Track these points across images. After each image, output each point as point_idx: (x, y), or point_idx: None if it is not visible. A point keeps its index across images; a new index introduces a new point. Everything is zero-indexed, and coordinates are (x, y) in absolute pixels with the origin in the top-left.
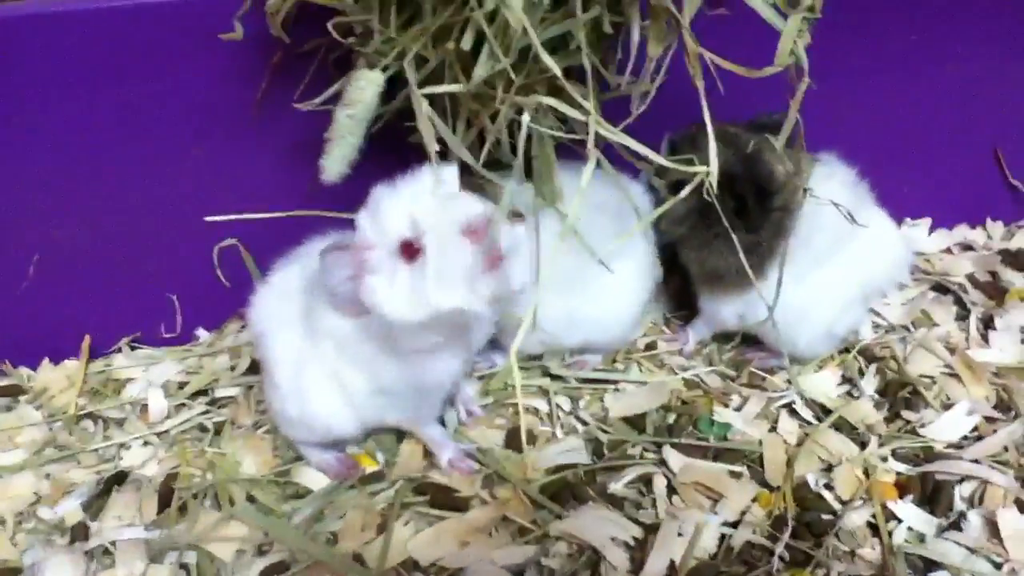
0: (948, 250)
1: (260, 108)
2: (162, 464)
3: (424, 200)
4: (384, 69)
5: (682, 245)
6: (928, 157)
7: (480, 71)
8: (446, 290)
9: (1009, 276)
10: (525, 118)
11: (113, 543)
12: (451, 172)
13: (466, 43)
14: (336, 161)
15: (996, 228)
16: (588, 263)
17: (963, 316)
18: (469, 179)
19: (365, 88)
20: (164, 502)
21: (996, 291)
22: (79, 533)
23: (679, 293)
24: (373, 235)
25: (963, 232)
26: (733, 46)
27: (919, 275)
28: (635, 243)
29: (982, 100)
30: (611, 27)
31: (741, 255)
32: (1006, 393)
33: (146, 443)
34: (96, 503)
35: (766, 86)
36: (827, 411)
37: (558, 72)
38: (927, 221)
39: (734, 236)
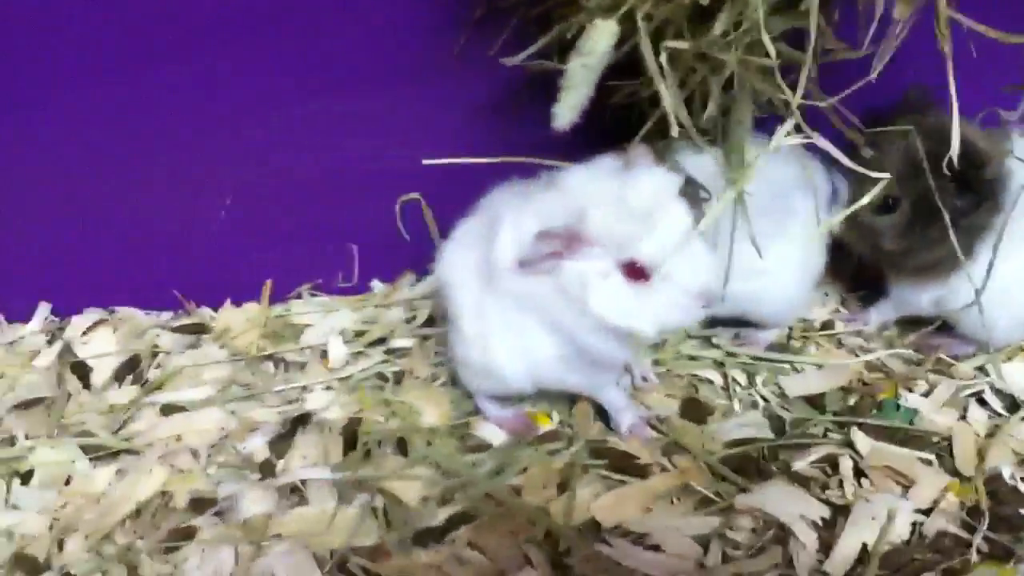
0: None
1: (458, 60)
2: (344, 408)
3: (664, 228)
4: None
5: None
6: None
7: (719, 27)
8: (667, 314)
9: None
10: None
11: (303, 482)
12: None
13: None
14: (568, 109)
15: None
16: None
17: None
18: None
19: (599, 38)
20: (349, 445)
21: None
22: (268, 470)
23: (857, 272)
24: (598, 235)
25: None
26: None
27: None
28: (806, 220)
29: None
30: None
31: (953, 237)
32: None
33: (328, 387)
34: (282, 442)
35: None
36: (1018, 403)
37: (771, 50)
38: None
39: (946, 217)
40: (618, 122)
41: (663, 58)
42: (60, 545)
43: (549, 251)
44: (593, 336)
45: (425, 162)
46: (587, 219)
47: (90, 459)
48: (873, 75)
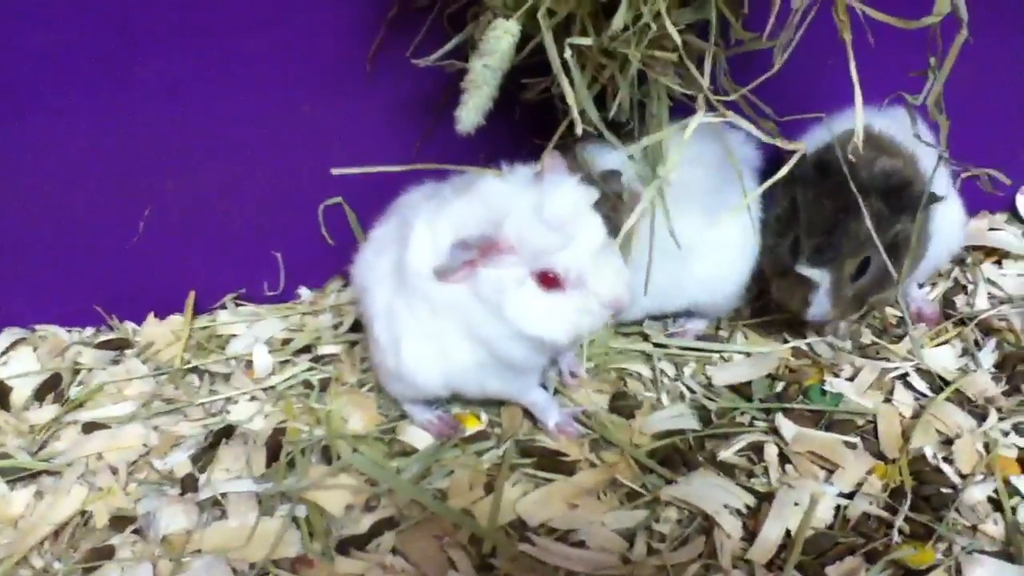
0: None
1: (373, 63)
2: (268, 419)
3: (580, 240)
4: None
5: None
6: None
7: (618, 22)
8: (579, 321)
9: None
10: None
11: (224, 495)
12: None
13: None
14: (472, 111)
15: None
16: (692, 223)
17: None
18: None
19: (501, 38)
20: (272, 456)
21: None
22: (189, 484)
23: None
24: (515, 244)
25: None
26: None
27: None
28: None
29: None
30: None
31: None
32: None
33: (252, 398)
34: (205, 456)
35: (909, 41)
36: (943, 384)
37: (678, 40)
38: None
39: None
40: (534, 120)
41: (568, 55)
42: None
43: (466, 259)
44: (510, 343)
45: (334, 171)
46: (504, 228)
47: (7, 481)
48: (777, 66)
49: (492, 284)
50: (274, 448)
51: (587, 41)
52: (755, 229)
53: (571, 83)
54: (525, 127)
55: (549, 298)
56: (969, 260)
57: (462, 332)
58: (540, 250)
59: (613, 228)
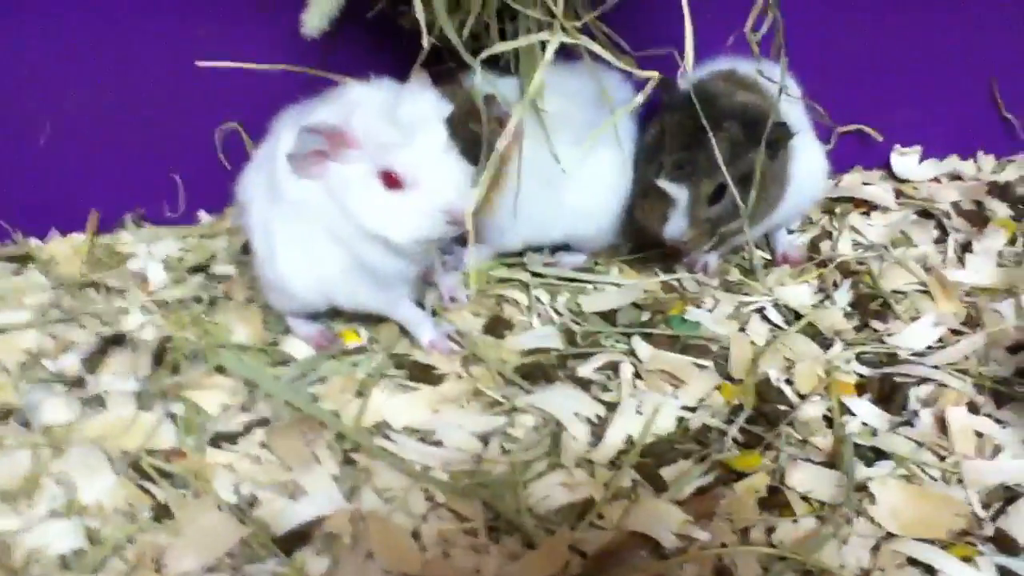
0: (936, 179)
1: None
2: (158, 330)
3: (422, 142)
4: None
5: None
6: (922, 87)
7: None
8: (417, 224)
9: (994, 206)
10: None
11: (106, 392)
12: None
13: None
14: (316, 16)
15: (987, 161)
16: (566, 153)
17: (943, 240)
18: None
19: None
20: (157, 362)
21: (979, 219)
22: (77, 384)
23: None
24: (361, 138)
25: (953, 163)
26: None
27: (904, 200)
28: (612, 140)
29: (977, 32)
30: None
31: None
32: (975, 311)
33: (145, 311)
34: (94, 359)
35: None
36: (799, 318)
37: None
38: (918, 150)
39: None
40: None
41: None
42: None
43: (314, 147)
44: (363, 243)
45: (199, 63)
46: (352, 120)
47: None
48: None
49: (340, 180)
50: (160, 355)
51: None
52: (627, 164)
53: (429, 11)
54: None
55: (389, 196)
56: (838, 210)
57: (327, 237)
58: (382, 146)
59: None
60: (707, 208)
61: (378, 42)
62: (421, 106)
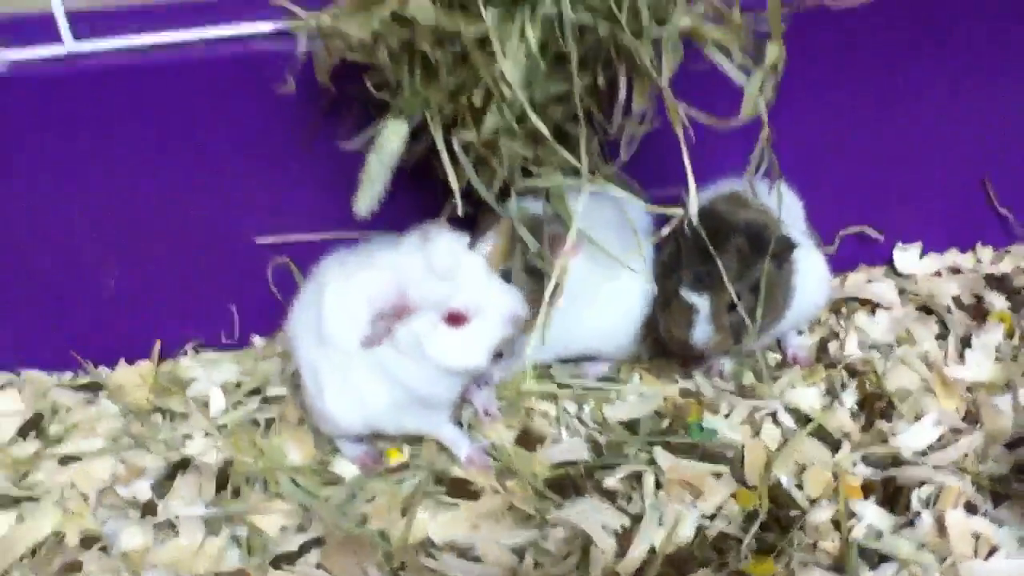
0: (938, 273)
1: (309, 145)
2: (220, 453)
3: (466, 278)
4: (411, 118)
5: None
6: (919, 185)
7: (488, 124)
8: (489, 342)
9: (992, 298)
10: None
11: (177, 517)
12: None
13: (476, 100)
14: (366, 199)
15: (985, 252)
16: (593, 276)
17: (944, 335)
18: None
19: (391, 137)
20: (221, 485)
21: (979, 312)
22: (149, 509)
23: None
24: (419, 301)
25: (953, 256)
26: (718, 94)
27: (907, 296)
28: (635, 262)
29: (968, 131)
30: (605, 83)
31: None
32: (974, 407)
33: (207, 434)
34: (163, 484)
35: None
36: (809, 420)
37: (547, 134)
38: (918, 245)
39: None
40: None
41: (456, 146)
42: None
43: (386, 327)
44: (431, 381)
45: (259, 240)
46: (408, 292)
47: None
48: (623, 157)
49: (410, 338)
50: (223, 478)
51: (471, 136)
52: (648, 286)
53: (456, 169)
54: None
55: (460, 332)
56: (844, 310)
57: (378, 380)
58: (441, 298)
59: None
60: (727, 315)
61: (412, 189)
62: (448, 248)
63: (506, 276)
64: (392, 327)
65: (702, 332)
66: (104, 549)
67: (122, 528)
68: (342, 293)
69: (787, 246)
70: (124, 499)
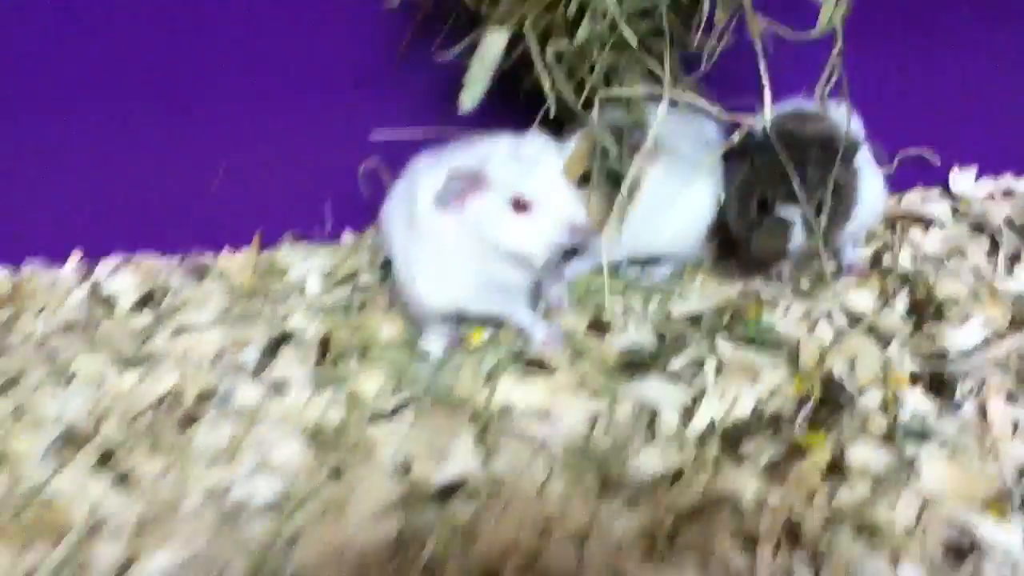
0: (991, 196)
1: (406, 54)
2: (318, 329)
3: (542, 172)
4: (508, 27)
5: None
6: (976, 111)
7: (581, 34)
8: (546, 238)
9: None
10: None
11: (284, 377)
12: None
13: (570, 11)
14: (470, 98)
15: None
16: (667, 183)
17: (994, 252)
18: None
19: (493, 44)
20: (320, 356)
21: None
22: (258, 372)
23: None
24: (494, 177)
25: (1007, 181)
26: (799, 9)
27: (960, 216)
28: (707, 172)
29: None
30: None
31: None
32: (1020, 315)
33: (305, 313)
34: (269, 354)
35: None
36: (861, 320)
37: (634, 43)
38: (973, 169)
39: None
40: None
41: (549, 55)
42: (97, 427)
43: (458, 187)
44: (497, 262)
45: (375, 135)
46: (486, 165)
47: (117, 370)
48: (703, 67)
49: (478, 211)
50: (321, 351)
51: (564, 46)
52: (717, 194)
53: (551, 77)
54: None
55: (521, 219)
56: (899, 226)
57: (461, 261)
58: (513, 180)
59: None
60: (815, 220)
61: (503, 99)
62: (538, 146)
63: (586, 180)
64: (465, 192)
65: (796, 240)
66: (218, 404)
67: (236, 386)
68: (435, 176)
69: (855, 148)
70: (235, 363)
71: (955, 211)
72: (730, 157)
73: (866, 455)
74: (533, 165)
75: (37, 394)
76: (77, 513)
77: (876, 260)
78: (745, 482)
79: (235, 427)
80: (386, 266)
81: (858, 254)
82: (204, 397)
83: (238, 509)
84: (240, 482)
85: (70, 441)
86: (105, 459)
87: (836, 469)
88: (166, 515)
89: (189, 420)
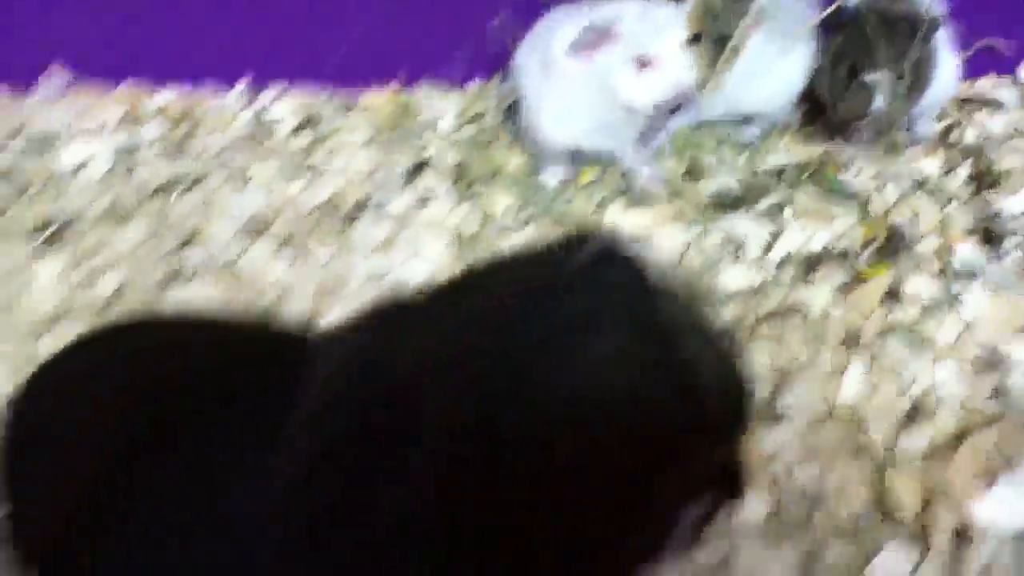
0: None
1: None
2: (452, 159)
3: (665, 37)
4: None
5: None
6: None
7: None
8: (658, 93)
9: None
10: None
11: (428, 193)
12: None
13: None
14: None
15: None
16: (767, 49)
17: None
18: None
19: None
20: (455, 181)
21: None
22: (405, 185)
23: None
24: (623, 34)
25: None
26: None
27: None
28: (802, 42)
29: None
30: None
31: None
32: None
33: (440, 145)
34: (411, 176)
35: None
36: (924, 183)
37: None
38: None
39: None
40: None
41: None
42: (273, 220)
43: (591, 39)
44: (613, 110)
45: None
46: (619, 22)
47: (285, 176)
48: None
49: (604, 63)
50: (456, 177)
51: None
52: (809, 61)
53: None
54: None
55: (641, 76)
56: (967, 108)
57: (583, 104)
58: (639, 40)
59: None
60: (898, 83)
61: None
62: (664, 12)
63: (696, 39)
64: (596, 44)
65: (878, 104)
66: (373, 210)
67: (389, 195)
68: (570, 27)
69: (935, 27)
70: (385, 180)
71: (1021, 99)
72: (825, 29)
73: (919, 286)
74: (658, 29)
75: (219, 193)
76: (266, 282)
77: (944, 134)
78: (815, 298)
79: (389, 228)
80: (511, 109)
81: (929, 127)
82: (360, 205)
83: (396, 287)
84: (396, 268)
85: (252, 230)
86: (282, 245)
87: (892, 295)
88: (337, 288)
89: (350, 220)
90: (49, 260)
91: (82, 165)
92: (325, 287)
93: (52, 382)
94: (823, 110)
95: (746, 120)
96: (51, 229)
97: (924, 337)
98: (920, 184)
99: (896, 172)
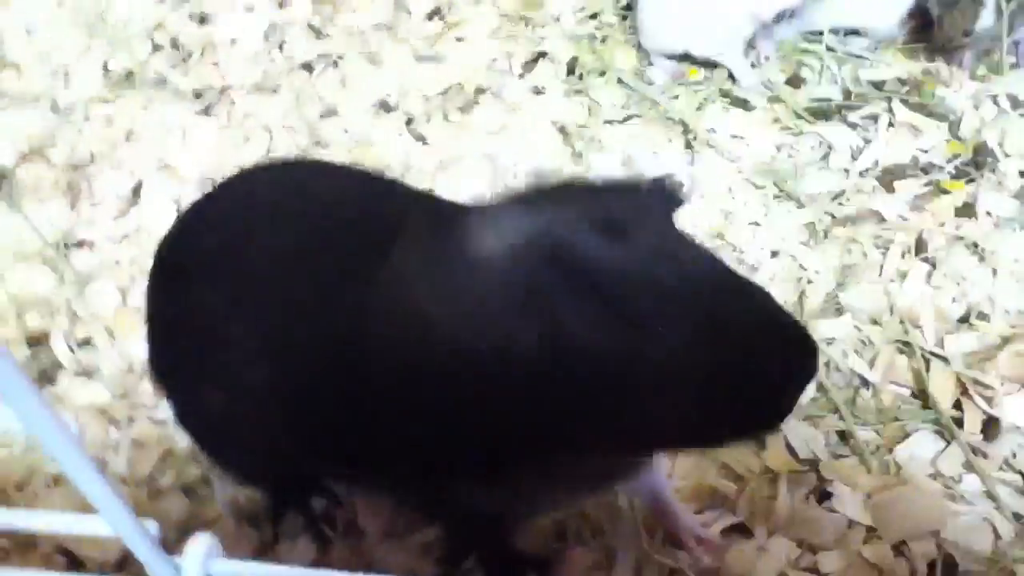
0: None
1: None
2: (568, 53)
3: None
4: None
5: None
6: None
7: None
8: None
9: None
10: None
11: (541, 85)
12: None
13: None
14: None
15: None
16: None
17: None
18: None
19: None
20: (569, 72)
21: None
22: (521, 76)
23: None
24: None
25: None
26: None
27: None
28: None
29: None
30: None
31: None
32: None
33: (558, 41)
34: (528, 67)
35: None
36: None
37: None
38: None
39: None
40: None
41: None
42: (401, 101)
43: None
44: (725, 15)
45: None
46: None
47: (414, 60)
48: None
49: None
50: (569, 69)
51: None
52: None
53: None
54: None
55: None
56: None
57: (696, 9)
58: None
59: None
60: (1005, 7)
61: None
62: None
63: None
64: None
65: (986, 20)
66: (492, 97)
67: (504, 83)
68: None
69: None
70: (503, 69)
71: None
72: None
73: (995, 203)
74: None
75: (355, 72)
76: (391, 156)
77: None
78: (891, 206)
79: (504, 114)
80: (627, 8)
81: None
82: (480, 91)
83: (505, 169)
84: (505, 152)
85: (382, 107)
86: (408, 123)
87: (967, 208)
88: (454, 165)
89: (470, 105)
90: (205, 123)
91: (236, 39)
92: (443, 164)
93: (222, 198)
94: (930, 26)
95: (853, 32)
96: (209, 94)
97: (989, 251)
98: (1016, 106)
99: (994, 93)
